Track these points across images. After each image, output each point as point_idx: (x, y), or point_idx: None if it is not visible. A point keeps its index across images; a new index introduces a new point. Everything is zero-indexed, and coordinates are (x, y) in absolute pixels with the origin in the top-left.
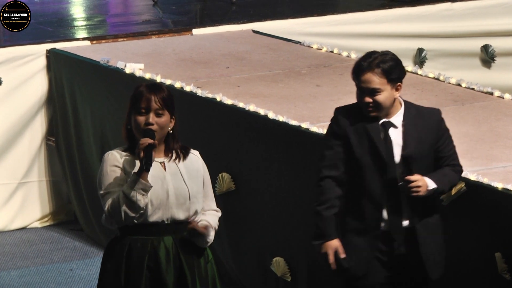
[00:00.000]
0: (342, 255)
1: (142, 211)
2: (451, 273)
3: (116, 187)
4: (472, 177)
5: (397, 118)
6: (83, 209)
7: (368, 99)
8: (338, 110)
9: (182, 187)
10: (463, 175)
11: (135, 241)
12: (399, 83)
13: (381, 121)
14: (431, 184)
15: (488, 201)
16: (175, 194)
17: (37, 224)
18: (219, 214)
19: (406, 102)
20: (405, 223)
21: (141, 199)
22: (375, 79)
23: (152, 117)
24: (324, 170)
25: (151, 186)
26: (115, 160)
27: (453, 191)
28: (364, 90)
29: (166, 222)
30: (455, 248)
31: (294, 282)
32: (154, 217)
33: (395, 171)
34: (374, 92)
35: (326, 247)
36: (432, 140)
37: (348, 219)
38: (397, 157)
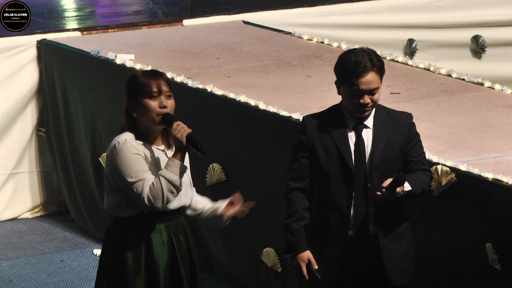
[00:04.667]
0: (315, 266)
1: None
2: (442, 264)
3: (145, 173)
4: (463, 167)
5: (369, 119)
6: (73, 200)
7: (368, 100)
8: (306, 119)
9: (185, 176)
10: (453, 165)
11: (155, 229)
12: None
13: (352, 124)
14: (407, 186)
15: (479, 191)
16: (181, 182)
17: (28, 215)
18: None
19: (376, 104)
20: (371, 228)
21: (180, 182)
22: (375, 78)
23: (164, 100)
24: (291, 182)
25: (187, 167)
26: (133, 148)
27: (444, 182)
28: (363, 91)
29: (176, 210)
30: (445, 238)
31: (284, 272)
32: (171, 205)
33: (365, 175)
34: (373, 91)
35: (297, 260)
36: (401, 143)
37: (316, 229)
38: (368, 160)
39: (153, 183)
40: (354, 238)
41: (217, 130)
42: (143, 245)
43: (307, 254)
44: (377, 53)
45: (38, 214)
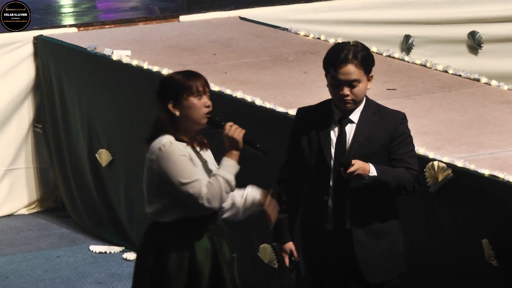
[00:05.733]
0: (296, 258)
1: None
2: (438, 260)
3: (199, 174)
4: (459, 163)
5: (356, 114)
6: (70, 196)
7: (347, 91)
8: (298, 111)
9: None
10: (449, 161)
11: (198, 234)
12: (371, 74)
13: (337, 118)
14: (372, 171)
15: (475, 187)
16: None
17: (24, 211)
18: None
19: (368, 99)
20: (348, 223)
21: (235, 183)
22: (355, 70)
23: (208, 100)
24: (281, 172)
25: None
26: (180, 150)
27: (440, 178)
28: (342, 82)
29: (214, 212)
30: (442, 235)
31: (281, 268)
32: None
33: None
34: (352, 84)
35: (281, 250)
36: (384, 141)
37: (302, 221)
38: (347, 154)
39: (210, 182)
40: (332, 232)
41: None
42: (187, 251)
43: (289, 246)
44: (369, 48)
45: (35, 210)
